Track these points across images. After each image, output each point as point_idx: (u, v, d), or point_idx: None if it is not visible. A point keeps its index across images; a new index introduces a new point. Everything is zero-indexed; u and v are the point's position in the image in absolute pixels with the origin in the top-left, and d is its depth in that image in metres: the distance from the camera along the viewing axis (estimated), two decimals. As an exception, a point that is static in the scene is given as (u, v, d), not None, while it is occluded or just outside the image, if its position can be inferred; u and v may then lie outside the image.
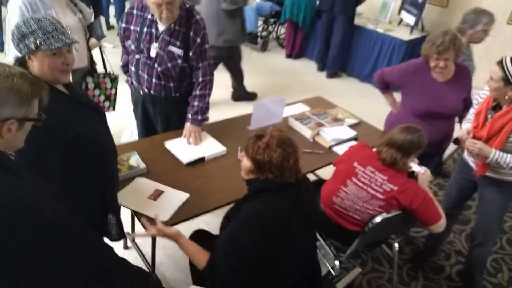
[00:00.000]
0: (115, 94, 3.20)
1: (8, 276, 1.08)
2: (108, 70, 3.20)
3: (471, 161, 2.36)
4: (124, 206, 1.97)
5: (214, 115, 2.82)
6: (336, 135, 2.73)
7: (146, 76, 2.48)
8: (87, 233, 1.23)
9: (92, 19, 3.11)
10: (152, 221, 1.81)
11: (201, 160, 2.38)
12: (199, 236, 1.95)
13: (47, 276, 1.11)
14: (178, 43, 2.38)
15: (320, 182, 2.59)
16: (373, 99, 4.69)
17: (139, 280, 1.36)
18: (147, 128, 2.80)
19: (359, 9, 5.53)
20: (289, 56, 6.31)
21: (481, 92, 2.31)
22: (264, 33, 6.57)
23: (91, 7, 3.32)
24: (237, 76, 4.74)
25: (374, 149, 2.20)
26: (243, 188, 1.75)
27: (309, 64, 6.17)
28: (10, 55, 2.64)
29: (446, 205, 2.57)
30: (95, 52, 3.17)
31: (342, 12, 5.33)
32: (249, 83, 4.91)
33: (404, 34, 5.28)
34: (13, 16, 2.60)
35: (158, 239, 2.30)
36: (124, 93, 3.15)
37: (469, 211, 3.34)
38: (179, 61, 2.42)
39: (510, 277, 2.83)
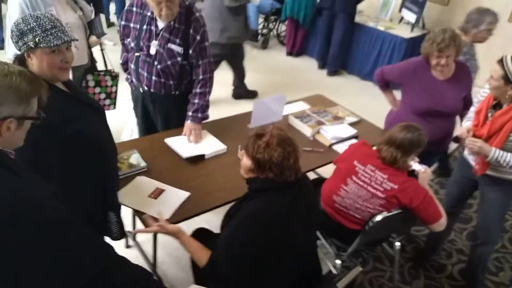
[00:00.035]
0: (116, 92, 3.20)
1: (9, 275, 1.08)
2: (109, 67, 3.19)
3: (471, 160, 2.35)
4: (124, 205, 1.96)
5: (215, 113, 2.81)
6: (336, 133, 2.72)
7: (145, 74, 2.47)
8: (87, 232, 1.23)
9: (93, 17, 3.10)
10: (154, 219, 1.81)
11: (201, 158, 2.37)
12: (201, 235, 1.95)
13: (47, 275, 1.11)
14: (177, 40, 2.37)
15: (321, 180, 2.59)
16: (373, 97, 4.69)
17: (139, 279, 1.36)
18: (147, 126, 2.79)
19: (360, 6, 5.52)
20: (289, 53, 6.30)
21: (481, 90, 2.30)
22: (264, 31, 6.56)
23: (91, 4, 3.31)
24: (239, 73, 4.73)
25: (374, 148, 2.20)
26: (244, 186, 1.74)
27: (310, 62, 6.16)
28: (10, 52, 2.64)
29: (447, 203, 2.57)
30: (96, 50, 3.16)
31: (342, 10, 5.32)
32: (250, 81, 4.90)
33: (405, 32, 5.27)
34: (13, 13, 2.59)
35: (159, 237, 2.31)
36: (124, 91, 3.14)
37: (470, 210, 3.34)
38: (179, 58, 2.41)
39: None
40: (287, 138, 1.65)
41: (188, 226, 2.00)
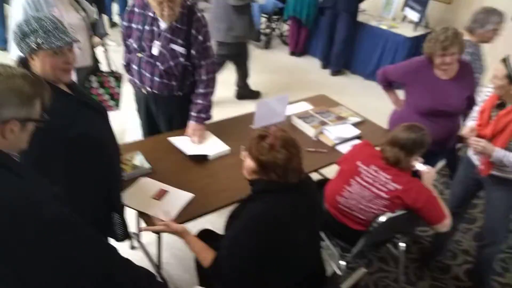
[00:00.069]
0: (119, 93, 3.19)
1: (12, 276, 1.07)
2: (113, 68, 3.19)
3: (475, 160, 2.34)
4: (128, 206, 1.96)
5: (218, 114, 2.80)
6: (339, 134, 2.71)
7: (148, 75, 2.47)
8: (90, 234, 1.22)
9: (95, 17, 3.10)
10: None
11: (205, 159, 2.37)
12: (205, 235, 1.95)
13: (49, 276, 1.11)
14: (180, 41, 2.37)
15: (324, 180, 2.58)
16: (377, 97, 4.66)
17: (143, 281, 1.36)
18: (150, 127, 2.78)
19: (363, 5, 5.49)
20: (292, 53, 6.27)
21: (485, 89, 2.29)
22: (267, 30, 6.54)
23: (93, 5, 3.31)
24: (243, 74, 4.72)
25: (378, 148, 2.19)
26: (247, 187, 1.73)
27: (313, 61, 6.13)
28: (14, 53, 2.64)
29: (452, 203, 2.55)
30: (99, 51, 3.15)
31: (345, 9, 5.30)
32: (253, 81, 4.88)
33: (408, 31, 5.24)
34: (16, 14, 2.59)
35: (163, 239, 2.30)
36: (127, 92, 3.14)
37: (475, 210, 3.31)
38: (181, 59, 2.40)
39: (517, 276, 2.81)
40: (291, 139, 1.64)
41: (192, 227, 1.99)
